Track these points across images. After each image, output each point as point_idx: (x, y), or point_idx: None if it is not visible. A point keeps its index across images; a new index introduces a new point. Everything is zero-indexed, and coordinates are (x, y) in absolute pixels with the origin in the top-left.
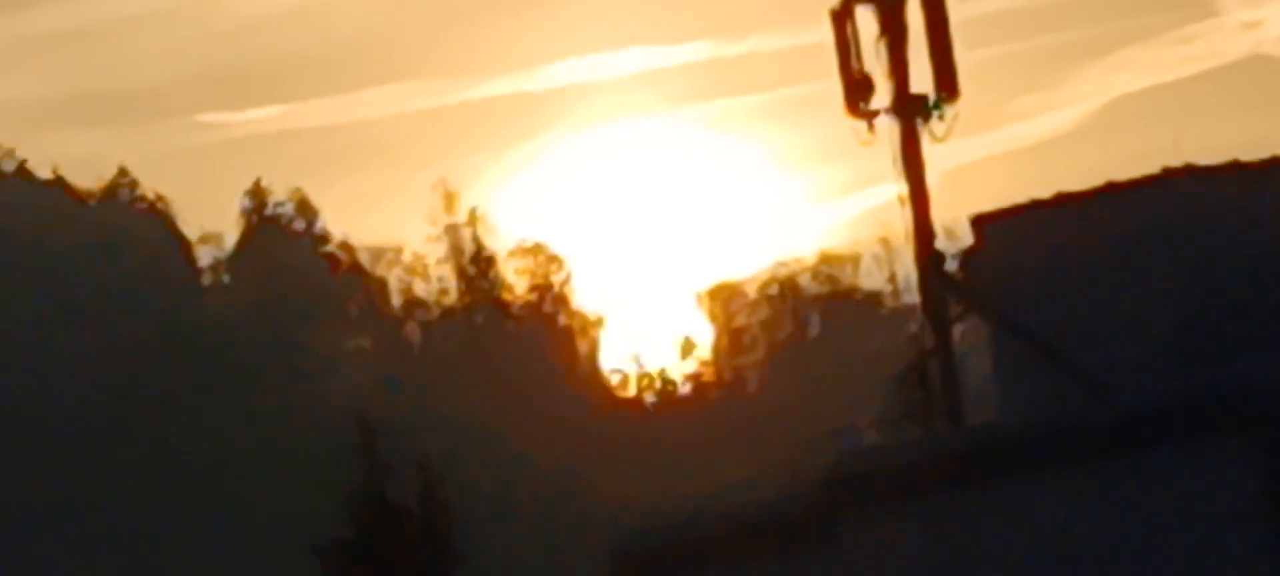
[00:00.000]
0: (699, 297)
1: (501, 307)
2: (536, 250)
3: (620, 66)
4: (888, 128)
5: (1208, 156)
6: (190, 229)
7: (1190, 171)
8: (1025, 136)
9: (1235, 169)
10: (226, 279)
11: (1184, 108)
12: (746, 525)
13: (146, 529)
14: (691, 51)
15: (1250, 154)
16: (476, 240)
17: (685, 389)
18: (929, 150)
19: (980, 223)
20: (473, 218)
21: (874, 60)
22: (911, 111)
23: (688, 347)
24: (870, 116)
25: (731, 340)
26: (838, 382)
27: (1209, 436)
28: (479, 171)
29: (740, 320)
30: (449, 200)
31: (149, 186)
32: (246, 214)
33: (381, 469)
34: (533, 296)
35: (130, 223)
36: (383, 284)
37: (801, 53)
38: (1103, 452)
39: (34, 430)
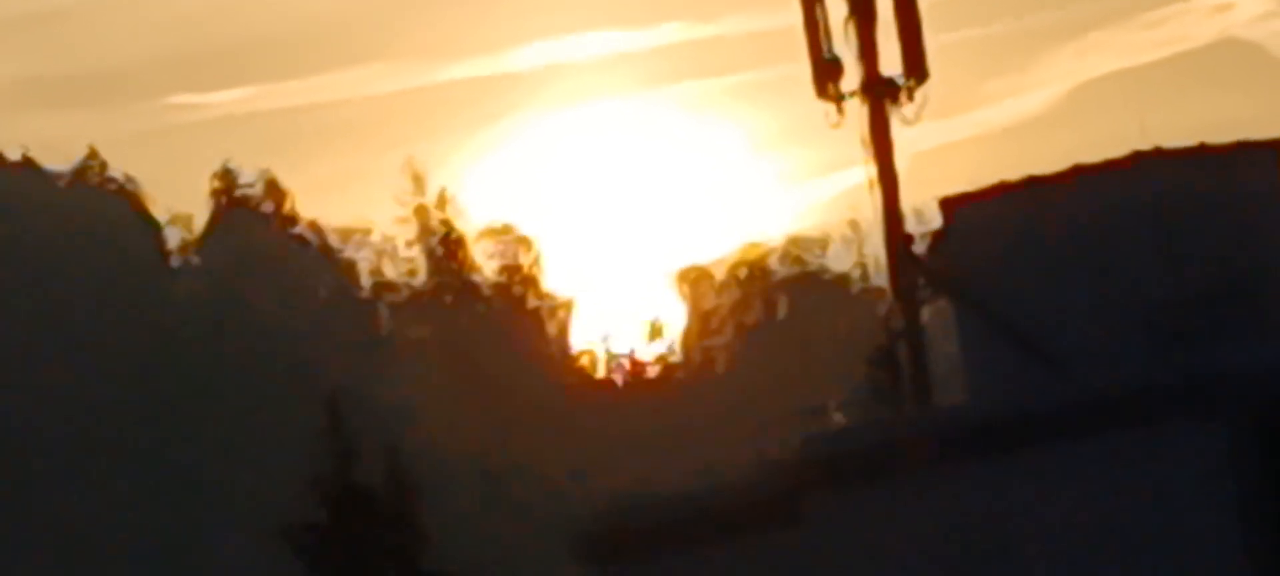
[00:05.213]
0: (669, 279)
1: (471, 289)
2: (506, 232)
3: (590, 48)
4: (858, 110)
5: (1176, 140)
6: (160, 210)
7: (1159, 155)
8: (994, 119)
9: (1204, 153)
10: (195, 260)
11: (1153, 91)
12: (714, 506)
13: (114, 510)
14: (662, 34)
15: (1219, 138)
16: (446, 222)
17: (655, 371)
18: (898, 133)
19: (949, 205)
20: (442, 199)
21: (843, 43)
22: (880, 94)
23: (657, 330)
24: (840, 99)
25: (701, 322)
26: (807, 364)
27: (1175, 419)
28: (448, 153)
29: (710, 302)
30: (418, 182)
31: (118, 168)
32: (216, 195)
33: (350, 451)
34: (502, 278)
35: (99, 204)
36: (352, 265)
37: (771, 35)
38: (1069, 434)
39: None
